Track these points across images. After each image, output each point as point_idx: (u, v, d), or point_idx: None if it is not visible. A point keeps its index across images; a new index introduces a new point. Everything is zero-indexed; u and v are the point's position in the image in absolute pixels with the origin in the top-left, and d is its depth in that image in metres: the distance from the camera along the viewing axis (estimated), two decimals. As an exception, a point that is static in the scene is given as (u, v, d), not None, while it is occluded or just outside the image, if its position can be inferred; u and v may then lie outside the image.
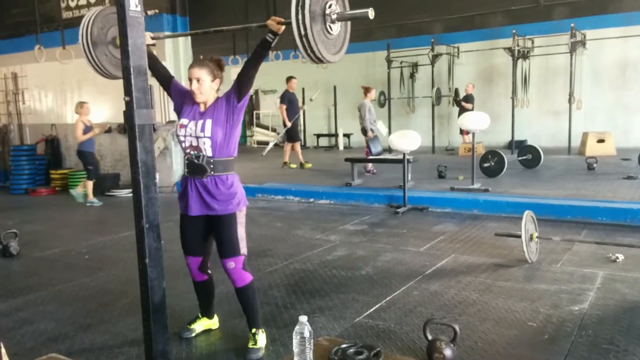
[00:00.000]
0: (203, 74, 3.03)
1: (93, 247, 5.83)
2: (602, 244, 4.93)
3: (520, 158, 9.86)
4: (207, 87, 3.05)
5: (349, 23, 2.99)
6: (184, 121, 3.07)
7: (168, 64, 9.10)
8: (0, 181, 11.11)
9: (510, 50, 12.56)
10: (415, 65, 15.12)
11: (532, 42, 13.23)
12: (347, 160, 8.95)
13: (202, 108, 3.09)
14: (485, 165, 8.84)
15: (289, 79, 11.06)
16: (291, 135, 11.14)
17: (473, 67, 14.68)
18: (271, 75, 16.16)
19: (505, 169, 8.75)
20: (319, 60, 2.75)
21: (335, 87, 16.07)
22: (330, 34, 2.79)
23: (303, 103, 16.88)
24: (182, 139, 3.08)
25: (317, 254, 5.23)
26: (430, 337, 2.88)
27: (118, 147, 10.21)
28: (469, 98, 13.08)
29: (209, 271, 3.31)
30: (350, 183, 8.51)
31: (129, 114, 2.38)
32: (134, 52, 2.37)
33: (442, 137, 14.74)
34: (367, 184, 8.60)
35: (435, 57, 13.80)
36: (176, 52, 9.33)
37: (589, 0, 8.46)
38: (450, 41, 14.36)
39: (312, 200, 8.09)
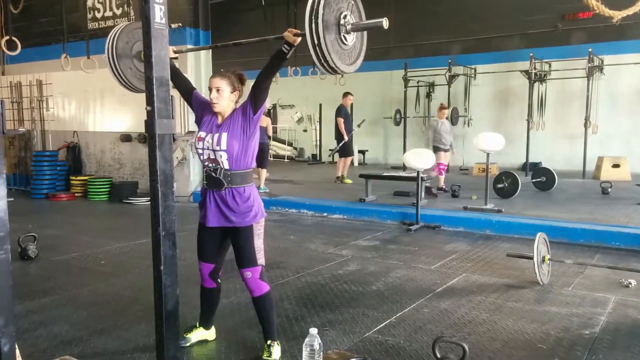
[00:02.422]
0: (223, 84, 3.10)
1: (109, 253, 5.91)
2: (615, 268, 4.90)
3: (534, 180, 9.82)
4: (225, 98, 3.10)
5: (365, 35, 3.00)
6: (202, 134, 3.13)
7: (189, 76, 9.23)
8: (22, 185, 11.28)
9: (527, 73, 12.57)
10: (432, 85, 15.15)
11: (550, 66, 13.21)
12: (361, 176, 8.99)
13: (219, 120, 3.14)
14: (499, 186, 8.82)
15: (345, 94, 11.21)
16: (344, 149, 11.16)
17: (489, 88, 14.68)
18: (289, 90, 16.37)
19: (519, 191, 8.74)
20: (332, 70, 2.76)
21: (352, 105, 16.14)
22: (344, 44, 2.80)
23: (320, 120, 17.02)
24: (200, 151, 3.14)
25: (328, 267, 5.26)
26: (439, 355, 2.88)
27: (137, 156, 10.35)
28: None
29: (219, 280, 3.35)
30: (364, 199, 8.54)
31: (150, 123, 2.44)
32: (157, 63, 2.44)
33: (456, 157, 14.72)
34: (381, 200, 8.62)
35: (452, 78, 13.83)
36: (197, 65, 9.49)
37: (607, 25, 8.44)
38: (467, 62, 14.39)
39: (325, 214, 8.13)
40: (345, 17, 2.78)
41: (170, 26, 8.83)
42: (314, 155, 17.42)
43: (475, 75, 14.59)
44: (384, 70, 15.50)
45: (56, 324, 3.81)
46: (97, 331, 3.66)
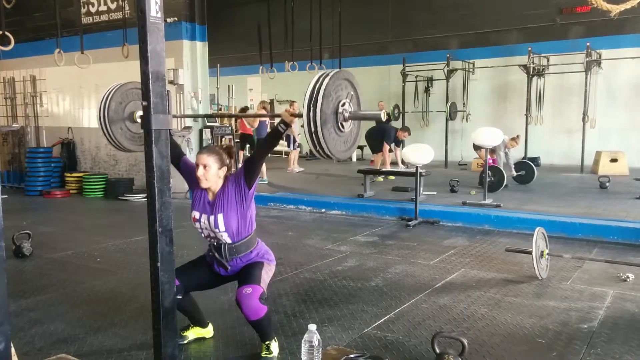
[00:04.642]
0: (211, 161, 3.05)
1: (105, 250, 5.88)
2: (613, 262, 4.90)
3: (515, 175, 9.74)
4: (213, 174, 3.06)
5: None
6: (196, 214, 3.11)
7: (185, 70, 9.19)
8: (16, 182, 11.21)
9: (525, 67, 12.57)
10: (430, 80, 15.14)
11: (548, 60, 13.23)
12: (359, 171, 8.97)
13: (210, 196, 3.11)
14: (488, 180, 8.73)
15: (405, 129, 11.29)
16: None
17: (488, 83, 14.69)
18: (286, 85, 16.33)
19: (504, 184, 8.77)
20: (327, 157, 2.81)
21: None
22: (341, 131, 2.82)
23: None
24: (199, 230, 3.15)
25: (327, 263, 5.24)
26: (438, 351, 2.87)
27: (133, 152, 10.29)
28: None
29: (179, 296, 3.11)
30: (362, 194, 8.51)
31: (146, 118, 2.40)
32: (153, 58, 2.40)
33: (455, 152, 14.73)
34: (379, 196, 8.61)
35: (450, 72, 13.83)
36: (194, 59, 9.42)
37: (605, 20, 8.47)
38: (465, 57, 14.38)
39: (323, 210, 8.10)
40: (343, 104, 2.80)
41: (165, 20, 8.78)
42: (311, 151, 17.41)
43: (473, 70, 14.59)
44: (382, 65, 15.48)
45: (52, 322, 3.78)
46: (94, 329, 3.63)
